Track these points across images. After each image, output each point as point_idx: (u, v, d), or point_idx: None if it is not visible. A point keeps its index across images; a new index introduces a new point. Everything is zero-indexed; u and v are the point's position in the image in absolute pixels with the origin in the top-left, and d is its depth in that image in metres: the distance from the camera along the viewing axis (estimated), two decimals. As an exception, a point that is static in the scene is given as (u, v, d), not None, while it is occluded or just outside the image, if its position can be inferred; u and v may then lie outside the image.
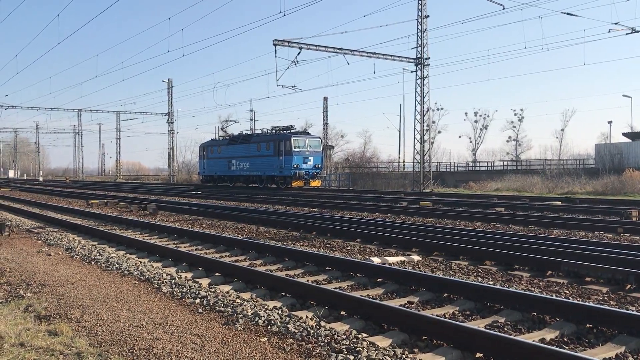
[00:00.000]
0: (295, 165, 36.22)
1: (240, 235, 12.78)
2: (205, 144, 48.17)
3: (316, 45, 32.45)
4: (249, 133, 45.76)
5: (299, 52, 31.24)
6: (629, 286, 7.07)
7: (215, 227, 14.99)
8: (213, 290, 6.96)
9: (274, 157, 37.64)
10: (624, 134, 52.68)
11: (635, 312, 5.48)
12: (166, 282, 7.36)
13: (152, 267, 8.75)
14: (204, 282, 7.71)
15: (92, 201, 24.54)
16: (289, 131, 38.73)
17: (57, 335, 5.05)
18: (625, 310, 5.56)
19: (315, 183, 37.58)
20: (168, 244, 11.44)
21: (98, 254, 9.83)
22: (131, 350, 4.66)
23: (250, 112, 69.95)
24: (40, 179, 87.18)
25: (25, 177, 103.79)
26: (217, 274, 8.25)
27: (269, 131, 40.81)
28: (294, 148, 36.32)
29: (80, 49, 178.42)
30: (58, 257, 9.80)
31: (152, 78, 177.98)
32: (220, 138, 47.75)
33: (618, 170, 36.74)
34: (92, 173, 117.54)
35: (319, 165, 37.84)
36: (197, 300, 6.37)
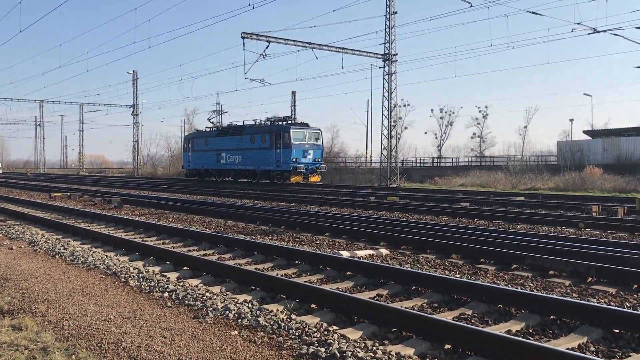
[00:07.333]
0: (294, 159, 32.99)
1: (208, 229, 12.68)
2: (190, 136, 44.62)
3: (285, 39, 32.26)
4: (240, 124, 40.11)
5: (268, 46, 30.77)
6: (590, 279, 7.29)
7: (182, 221, 14.84)
8: (182, 284, 6.90)
9: (271, 150, 34.16)
10: (585, 132, 54.06)
11: (596, 304, 5.66)
12: (133, 276, 7.26)
13: (119, 260, 8.62)
14: (172, 275, 7.63)
15: (55, 194, 23.99)
16: (287, 122, 35.60)
17: (22, 330, 4.94)
18: (587, 302, 5.73)
19: (315, 178, 34.40)
20: (134, 238, 11.28)
21: (62, 248, 9.62)
22: (99, 345, 4.59)
23: (217, 105, 69.12)
24: (0, 171, 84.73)
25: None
26: (185, 267, 8.18)
27: (264, 122, 36.93)
28: (294, 141, 33.09)
29: (43, 38, 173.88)
30: (20, 251, 9.56)
31: (117, 69, 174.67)
32: (207, 129, 43.32)
33: (579, 166, 37.72)
34: (54, 166, 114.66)
35: (319, 159, 34.49)
36: (166, 294, 6.30)
